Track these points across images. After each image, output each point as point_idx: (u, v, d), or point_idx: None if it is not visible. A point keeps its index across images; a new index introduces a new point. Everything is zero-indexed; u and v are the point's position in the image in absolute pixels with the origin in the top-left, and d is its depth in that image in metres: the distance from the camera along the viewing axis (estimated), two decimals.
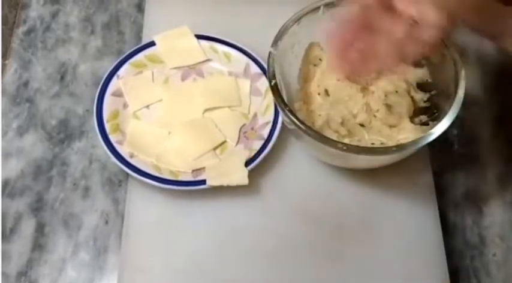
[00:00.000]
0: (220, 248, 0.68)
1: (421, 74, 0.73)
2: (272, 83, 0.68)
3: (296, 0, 0.72)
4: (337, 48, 0.60)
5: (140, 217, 0.70)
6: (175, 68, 0.79)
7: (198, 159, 0.72)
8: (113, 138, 0.72)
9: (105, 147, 0.71)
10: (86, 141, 0.76)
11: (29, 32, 0.84)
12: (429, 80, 0.73)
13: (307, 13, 0.72)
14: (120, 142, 0.72)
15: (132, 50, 0.79)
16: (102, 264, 0.69)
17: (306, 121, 0.67)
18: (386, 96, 0.71)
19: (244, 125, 0.75)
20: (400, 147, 0.64)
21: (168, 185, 0.69)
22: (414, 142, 0.64)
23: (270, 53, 0.69)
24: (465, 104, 0.65)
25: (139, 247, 0.68)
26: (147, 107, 0.76)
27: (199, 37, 0.80)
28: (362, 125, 0.71)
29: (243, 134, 0.75)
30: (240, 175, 0.70)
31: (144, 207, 0.70)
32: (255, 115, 0.76)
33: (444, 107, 0.66)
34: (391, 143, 0.69)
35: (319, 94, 0.72)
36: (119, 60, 0.77)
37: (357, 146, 0.66)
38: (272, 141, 0.72)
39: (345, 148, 0.63)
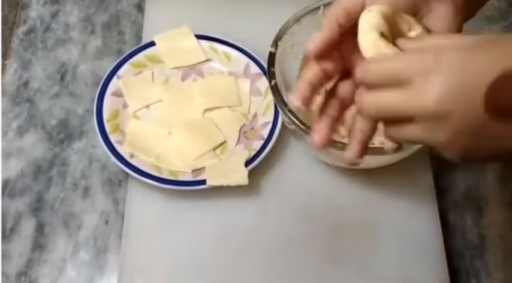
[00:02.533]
0: (220, 248, 0.68)
1: None
2: (272, 83, 0.68)
3: (296, 0, 0.72)
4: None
5: (140, 217, 0.70)
6: (175, 68, 0.79)
7: (198, 159, 0.72)
8: (112, 138, 0.72)
9: (105, 147, 0.71)
10: (86, 141, 0.76)
11: (29, 32, 0.84)
12: None
13: (307, 13, 0.72)
14: (120, 142, 0.72)
15: (132, 50, 0.79)
16: (102, 263, 0.69)
17: (306, 121, 0.67)
18: None
19: (244, 125, 0.75)
20: (400, 147, 0.64)
21: (168, 185, 0.69)
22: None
23: (270, 53, 0.69)
24: None
25: (139, 247, 0.68)
26: (147, 106, 0.76)
27: (199, 37, 0.80)
28: None
29: (243, 134, 0.75)
30: (240, 175, 0.70)
31: (144, 207, 0.70)
32: (255, 115, 0.76)
33: None
34: (391, 143, 0.69)
35: (319, 94, 0.72)
36: (119, 60, 0.78)
37: None
38: (272, 141, 0.72)
39: (345, 148, 0.63)
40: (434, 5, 0.54)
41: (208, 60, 0.79)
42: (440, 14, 0.53)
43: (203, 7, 0.84)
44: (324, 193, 0.72)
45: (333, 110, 0.56)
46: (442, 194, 0.73)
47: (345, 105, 0.56)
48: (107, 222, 0.71)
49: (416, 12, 0.54)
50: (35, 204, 0.72)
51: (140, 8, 0.86)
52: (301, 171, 0.73)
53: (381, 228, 0.70)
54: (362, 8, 0.52)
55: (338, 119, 0.56)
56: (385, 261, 0.68)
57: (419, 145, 0.64)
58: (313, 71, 0.55)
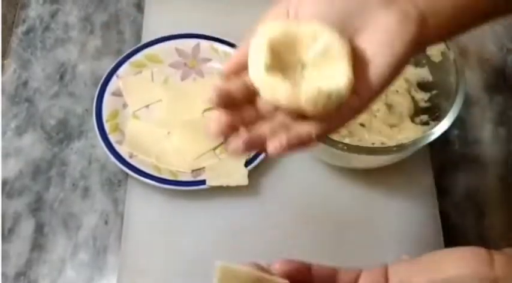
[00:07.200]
0: (220, 248, 0.68)
1: (422, 73, 0.73)
2: None
3: None
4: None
5: (140, 217, 0.70)
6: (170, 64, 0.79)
7: (198, 159, 0.72)
8: (112, 138, 0.72)
9: (105, 147, 0.71)
10: (85, 141, 0.76)
11: (28, 32, 0.84)
12: (430, 80, 0.73)
13: None
14: (119, 142, 0.72)
15: (132, 49, 0.78)
16: (101, 264, 0.69)
17: None
18: (386, 95, 0.71)
19: None
20: (400, 147, 0.64)
21: (168, 185, 0.69)
22: (415, 142, 0.64)
23: None
24: (466, 104, 0.65)
25: (138, 248, 0.68)
26: (147, 106, 0.76)
27: (199, 37, 0.80)
28: (362, 125, 0.71)
29: None
30: (240, 175, 0.70)
31: (143, 207, 0.70)
32: None
33: (445, 107, 0.66)
34: (391, 143, 0.69)
35: None
36: (118, 59, 0.77)
37: (358, 146, 0.66)
38: None
39: (345, 148, 0.63)
40: (373, 13, 0.45)
41: (208, 60, 0.79)
42: (381, 23, 0.45)
43: (203, 7, 0.84)
44: (324, 193, 0.72)
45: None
46: (442, 195, 0.73)
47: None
48: (106, 222, 0.71)
49: (351, 23, 0.46)
50: (34, 204, 0.71)
51: (140, 7, 0.86)
52: (301, 171, 0.73)
53: (380, 229, 0.70)
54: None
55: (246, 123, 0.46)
56: (384, 262, 0.68)
57: (420, 145, 0.64)
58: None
